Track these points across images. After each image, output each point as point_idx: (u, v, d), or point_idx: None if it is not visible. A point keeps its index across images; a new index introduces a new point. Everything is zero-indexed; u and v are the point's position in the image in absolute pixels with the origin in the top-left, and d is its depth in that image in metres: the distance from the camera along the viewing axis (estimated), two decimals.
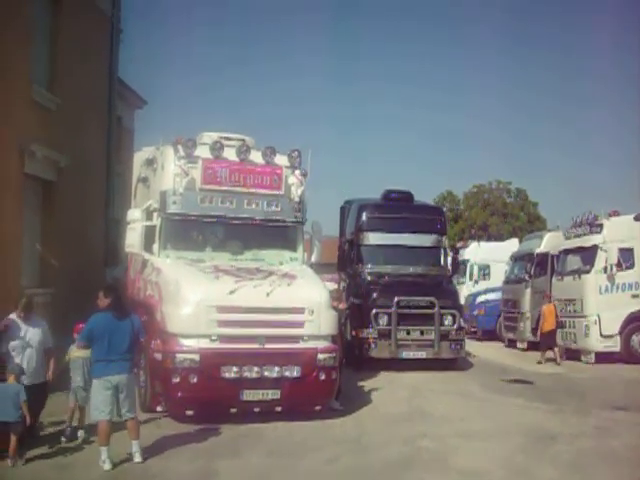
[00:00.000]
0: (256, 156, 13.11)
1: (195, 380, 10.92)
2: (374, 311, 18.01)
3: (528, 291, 23.67)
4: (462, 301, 23.34)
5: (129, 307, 10.46)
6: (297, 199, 13.31)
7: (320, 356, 11.72)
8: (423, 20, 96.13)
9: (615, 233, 20.29)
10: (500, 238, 46.28)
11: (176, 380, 10.94)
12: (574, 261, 21.57)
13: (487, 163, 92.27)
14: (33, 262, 15.47)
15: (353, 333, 18.07)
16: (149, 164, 14.17)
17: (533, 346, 22.28)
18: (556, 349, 20.55)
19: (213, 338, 11.17)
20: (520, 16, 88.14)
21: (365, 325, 17.99)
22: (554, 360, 20.32)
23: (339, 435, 11.08)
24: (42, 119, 15.33)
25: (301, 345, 11.76)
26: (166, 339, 11.26)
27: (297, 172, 13.32)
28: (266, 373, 11.31)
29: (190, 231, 13.12)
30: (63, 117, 16.22)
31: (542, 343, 21.05)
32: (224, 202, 12.80)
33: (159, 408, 11.60)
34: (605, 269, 20.02)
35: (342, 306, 14.18)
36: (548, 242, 23.88)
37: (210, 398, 10.95)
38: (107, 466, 8.88)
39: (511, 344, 24.85)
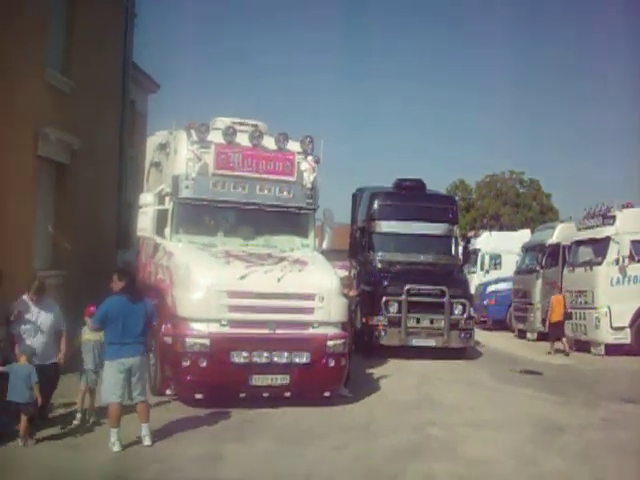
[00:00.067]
0: (269, 142, 13.08)
1: (205, 364, 10.97)
2: (384, 299, 18.06)
3: (539, 282, 23.62)
4: (472, 290, 23.30)
5: (142, 290, 10.49)
6: (309, 185, 13.29)
7: (329, 343, 11.75)
8: (434, 18, 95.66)
9: (628, 225, 20.16)
10: (512, 228, 46.12)
11: (186, 364, 10.99)
12: (586, 252, 21.47)
13: (500, 154, 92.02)
14: (46, 244, 15.54)
15: (363, 320, 18.07)
16: (162, 148, 14.18)
17: (543, 337, 22.24)
18: (564, 339, 20.53)
19: (223, 323, 11.20)
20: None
21: (375, 312, 18.04)
22: (563, 351, 20.30)
23: (347, 422, 11.10)
24: (56, 102, 15.35)
25: (311, 331, 11.78)
26: (176, 323, 11.30)
27: (309, 158, 13.29)
28: (275, 358, 11.35)
29: (202, 216, 13.13)
30: (77, 100, 16.24)
31: (550, 334, 21.06)
32: (236, 187, 12.80)
33: (168, 392, 11.64)
34: (617, 261, 19.91)
35: (352, 293, 14.19)
36: (560, 233, 23.78)
37: (219, 382, 10.99)
38: (116, 448, 8.95)
39: (521, 334, 24.80)
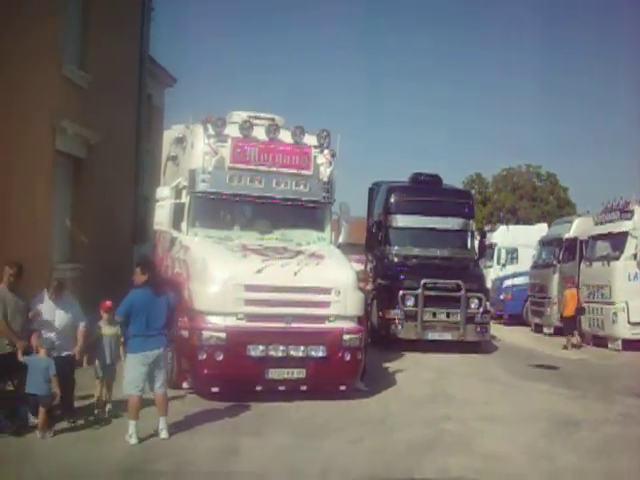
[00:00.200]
0: (285, 135, 13.09)
1: (221, 357, 11.02)
2: (401, 292, 18.12)
3: (556, 276, 23.54)
4: (489, 285, 23.27)
5: (164, 283, 10.54)
6: (325, 179, 13.29)
7: (346, 336, 11.76)
8: (445, 18, 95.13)
9: None
10: (529, 222, 45.90)
11: (202, 357, 11.05)
12: (603, 247, 21.37)
13: (517, 148, 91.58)
14: (63, 238, 15.63)
15: (380, 314, 18.15)
16: (179, 142, 14.22)
17: (560, 331, 22.14)
18: (576, 332, 20.49)
19: (239, 316, 11.24)
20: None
21: (392, 306, 18.11)
22: (579, 346, 20.24)
23: (363, 416, 11.12)
24: (73, 96, 15.42)
25: (327, 325, 11.81)
26: (193, 316, 11.35)
27: (326, 152, 13.28)
28: (292, 352, 11.38)
29: (218, 210, 13.17)
30: (94, 95, 16.30)
31: (565, 328, 21.02)
32: (253, 181, 12.82)
33: (185, 385, 11.70)
34: (635, 256, 19.79)
35: (368, 287, 14.21)
36: (577, 227, 23.67)
37: (235, 376, 11.03)
38: (133, 440, 9.01)
39: (537, 329, 24.73)
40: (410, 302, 18.09)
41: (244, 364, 11.12)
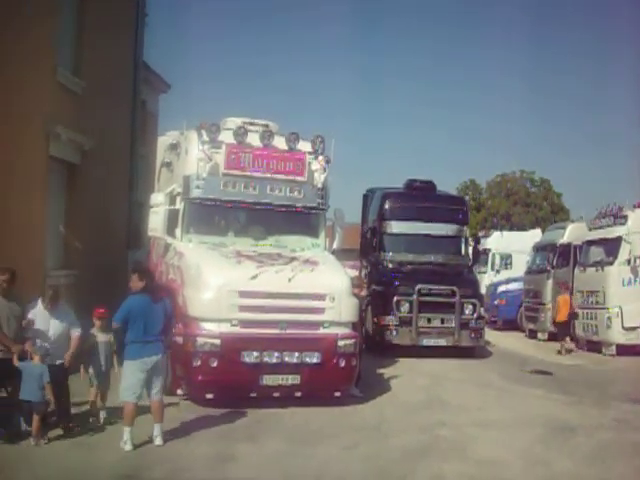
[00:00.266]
0: (280, 142, 13.10)
1: (215, 364, 11.01)
2: (396, 298, 18.14)
3: (550, 282, 23.52)
4: (483, 290, 23.28)
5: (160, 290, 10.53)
6: (320, 185, 13.31)
7: (340, 342, 11.76)
8: (441, 19, 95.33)
9: None
10: (523, 228, 45.97)
11: (197, 364, 11.04)
12: (597, 252, 21.38)
13: (511, 154, 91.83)
14: (57, 244, 15.57)
15: (374, 320, 18.16)
16: (173, 149, 14.22)
17: (554, 337, 22.15)
18: (567, 338, 20.51)
19: (234, 323, 11.25)
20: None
21: (387, 312, 18.12)
22: (570, 350, 20.30)
23: (358, 422, 11.12)
24: (67, 102, 15.38)
25: (321, 331, 11.81)
26: (187, 323, 11.34)
27: (320, 158, 13.30)
28: (286, 358, 11.39)
29: (213, 216, 13.16)
30: (88, 100, 16.26)
31: (558, 334, 21.08)
32: (247, 187, 12.81)
33: (179, 391, 11.67)
34: (629, 261, 19.80)
35: (363, 293, 14.20)
36: (571, 233, 23.72)
37: (230, 382, 11.03)
38: (128, 447, 9.00)
39: (532, 334, 24.72)
40: (405, 308, 18.10)
41: (239, 370, 11.11)
